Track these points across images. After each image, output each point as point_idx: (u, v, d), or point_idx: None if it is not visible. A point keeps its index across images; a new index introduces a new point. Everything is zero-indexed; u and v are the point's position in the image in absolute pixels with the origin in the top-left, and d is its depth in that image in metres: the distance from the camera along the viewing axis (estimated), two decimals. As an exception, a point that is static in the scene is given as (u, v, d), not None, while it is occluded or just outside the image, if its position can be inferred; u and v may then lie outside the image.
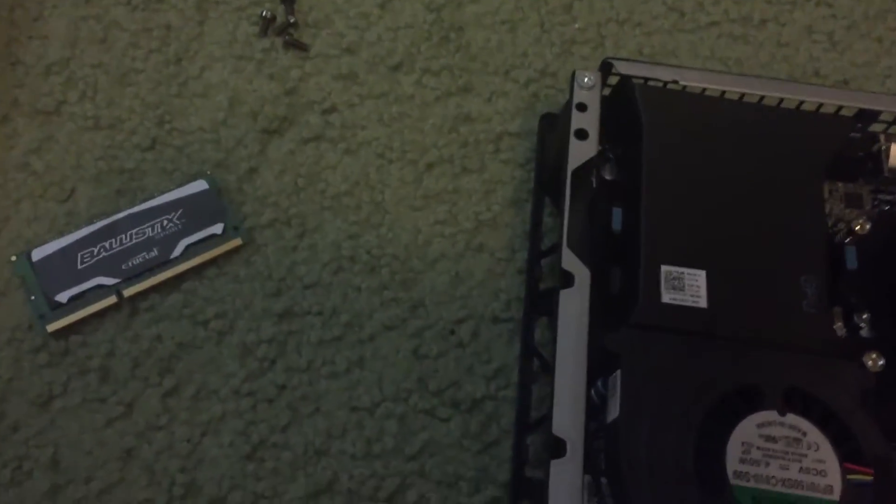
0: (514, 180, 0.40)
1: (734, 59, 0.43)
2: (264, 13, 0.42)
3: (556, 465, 0.29)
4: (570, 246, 0.32)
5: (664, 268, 0.31)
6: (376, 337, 0.37)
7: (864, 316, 0.34)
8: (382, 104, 0.41)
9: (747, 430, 0.29)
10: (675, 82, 0.35)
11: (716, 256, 0.32)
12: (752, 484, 0.28)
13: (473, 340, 0.37)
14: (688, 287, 0.31)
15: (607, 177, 0.36)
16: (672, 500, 0.28)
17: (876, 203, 0.37)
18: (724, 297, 0.31)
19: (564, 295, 0.31)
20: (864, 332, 0.34)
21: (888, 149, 0.37)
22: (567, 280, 0.32)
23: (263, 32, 0.42)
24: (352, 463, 0.34)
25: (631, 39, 0.43)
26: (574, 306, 0.31)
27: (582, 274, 0.32)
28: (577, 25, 0.44)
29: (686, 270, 0.31)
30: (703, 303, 0.31)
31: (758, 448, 0.29)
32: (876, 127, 0.37)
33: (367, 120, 0.41)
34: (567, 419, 0.30)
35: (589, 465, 0.29)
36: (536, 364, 0.36)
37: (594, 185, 0.34)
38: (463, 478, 0.34)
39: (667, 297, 0.31)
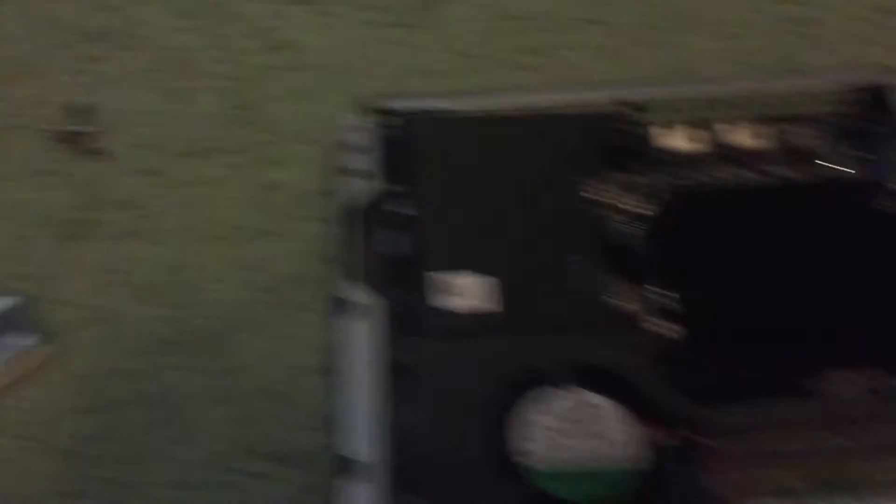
0: (324, 237, 0.40)
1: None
2: (60, 127, 0.43)
3: (347, 486, 0.28)
4: (354, 277, 0.33)
5: (446, 278, 0.32)
6: (198, 412, 0.36)
7: (655, 289, 0.35)
8: (185, 190, 0.42)
9: (538, 413, 0.29)
10: (440, 109, 0.36)
11: (494, 260, 0.32)
12: (543, 462, 0.28)
13: (294, 396, 0.36)
14: (471, 293, 0.32)
15: (399, 212, 0.37)
16: (465, 492, 0.27)
17: (666, 188, 0.39)
18: (507, 294, 0.32)
19: (352, 324, 0.32)
20: (657, 304, 0.35)
21: (667, 135, 0.39)
22: (354, 309, 0.32)
23: (61, 146, 0.43)
24: None
25: (425, 87, 0.45)
26: (361, 332, 0.31)
27: (368, 301, 0.32)
28: (370, 83, 0.45)
29: (468, 278, 0.32)
30: (486, 304, 0.32)
31: (549, 427, 0.29)
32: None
33: (172, 208, 0.41)
34: (359, 440, 0.29)
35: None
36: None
37: (386, 220, 0.35)
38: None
39: (451, 306, 0.31)
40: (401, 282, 0.33)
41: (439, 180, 0.34)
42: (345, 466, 0.29)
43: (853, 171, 0.39)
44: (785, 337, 0.33)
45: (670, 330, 0.32)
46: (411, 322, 0.32)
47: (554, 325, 0.31)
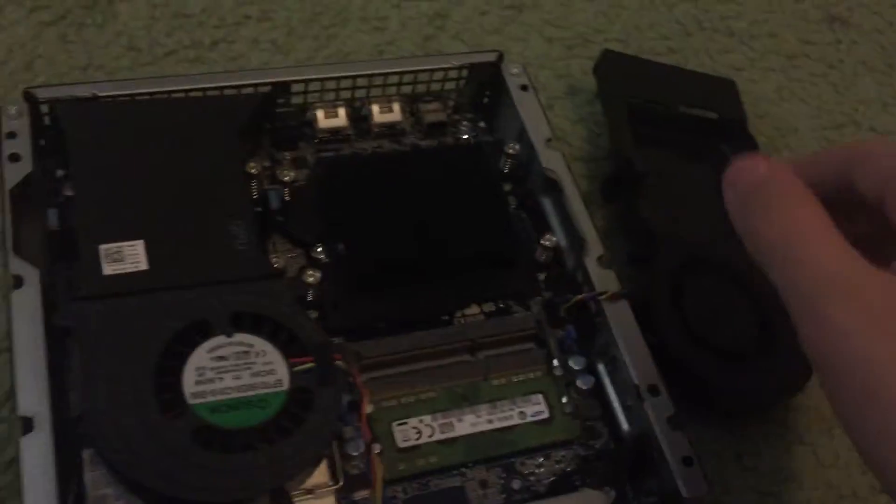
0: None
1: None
2: None
3: (26, 441, 0.31)
4: (16, 252, 0.35)
5: (102, 247, 0.35)
6: None
7: (317, 248, 0.40)
8: None
9: (200, 358, 0.33)
10: (95, 96, 0.39)
11: (151, 229, 0.36)
12: (208, 399, 0.32)
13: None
14: (127, 257, 0.35)
15: (68, 194, 0.39)
16: (138, 434, 0.30)
17: (319, 159, 0.44)
18: (162, 258, 0.35)
19: (16, 296, 0.34)
20: (323, 259, 0.40)
21: (315, 114, 0.44)
22: (18, 282, 0.34)
23: None
24: None
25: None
26: (26, 303, 0.33)
27: (31, 273, 0.34)
28: (40, 80, 0.47)
29: (124, 244, 0.35)
30: (143, 266, 0.35)
31: (211, 369, 0.33)
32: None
33: None
34: (31, 399, 0.31)
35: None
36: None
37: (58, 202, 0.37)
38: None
39: (108, 270, 0.34)
40: (63, 254, 0.36)
41: (92, 160, 0.37)
42: (23, 424, 0.31)
43: (473, 137, 0.46)
44: (417, 279, 0.39)
45: (318, 278, 0.37)
46: (73, 288, 0.34)
47: (213, 281, 0.35)
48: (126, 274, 0.34)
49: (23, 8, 0.49)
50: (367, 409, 0.36)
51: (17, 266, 0.34)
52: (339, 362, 0.34)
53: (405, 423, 0.37)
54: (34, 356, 0.32)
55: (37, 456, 0.30)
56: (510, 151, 0.44)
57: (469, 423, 0.37)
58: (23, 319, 0.33)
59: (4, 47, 0.47)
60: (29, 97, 0.38)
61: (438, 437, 0.36)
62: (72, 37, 0.49)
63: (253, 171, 0.40)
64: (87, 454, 0.32)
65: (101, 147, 0.37)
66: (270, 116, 0.43)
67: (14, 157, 0.37)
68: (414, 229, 0.40)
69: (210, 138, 0.39)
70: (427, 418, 0.37)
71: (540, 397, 0.38)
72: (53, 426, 0.31)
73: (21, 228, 0.36)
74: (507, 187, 0.44)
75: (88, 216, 0.35)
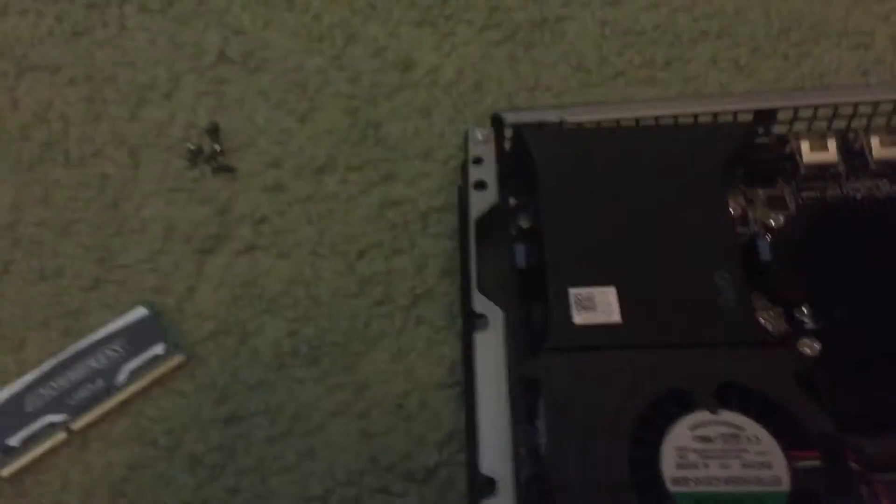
0: (446, 252, 0.41)
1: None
2: (190, 146, 0.44)
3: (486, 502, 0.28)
4: (479, 289, 0.32)
5: (572, 290, 0.31)
6: (324, 425, 0.36)
7: (803, 308, 0.33)
8: (310, 206, 0.42)
9: (681, 435, 0.28)
10: (564, 121, 0.36)
11: (624, 272, 0.32)
12: (692, 488, 0.27)
13: (421, 411, 0.36)
14: (599, 305, 0.31)
15: (523, 225, 0.36)
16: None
17: (800, 202, 0.37)
18: (638, 309, 0.31)
19: (479, 337, 0.31)
20: (808, 324, 0.33)
21: (798, 146, 0.37)
22: (481, 323, 0.32)
23: (193, 164, 0.44)
24: (310, 555, 0.33)
25: (543, 103, 0.45)
26: (489, 346, 0.31)
27: (494, 314, 0.32)
28: (488, 100, 0.45)
29: (595, 290, 0.31)
30: (616, 317, 0.31)
31: (694, 451, 0.28)
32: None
33: (297, 223, 0.42)
34: (494, 457, 0.29)
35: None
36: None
37: (513, 234, 0.35)
38: (425, 551, 0.33)
39: (579, 319, 0.31)
40: (526, 294, 0.33)
41: (561, 192, 0.33)
42: (482, 485, 0.28)
43: None
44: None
45: (816, 350, 0.30)
46: (539, 335, 0.31)
47: (695, 342, 0.30)
48: (598, 325, 0.30)
49: (473, 27, 0.48)
50: (883, 521, 0.28)
51: (481, 304, 0.31)
52: (854, 464, 0.27)
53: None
54: (497, 408, 0.29)
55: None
56: None
57: None
58: (486, 364, 0.30)
59: (455, 67, 0.47)
60: (496, 121, 0.36)
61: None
62: (520, 56, 0.47)
63: (732, 211, 0.34)
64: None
65: (572, 178, 0.34)
66: (750, 148, 0.37)
67: (480, 185, 0.35)
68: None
69: (692, 172, 0.33)
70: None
71: None
72: (516, 493, 0.28)
73: (483, 263, 0.33)
74: None
75: (558, 254, 0.32)
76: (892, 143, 0.37)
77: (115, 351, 0.38)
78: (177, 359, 0.38)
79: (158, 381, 0.38)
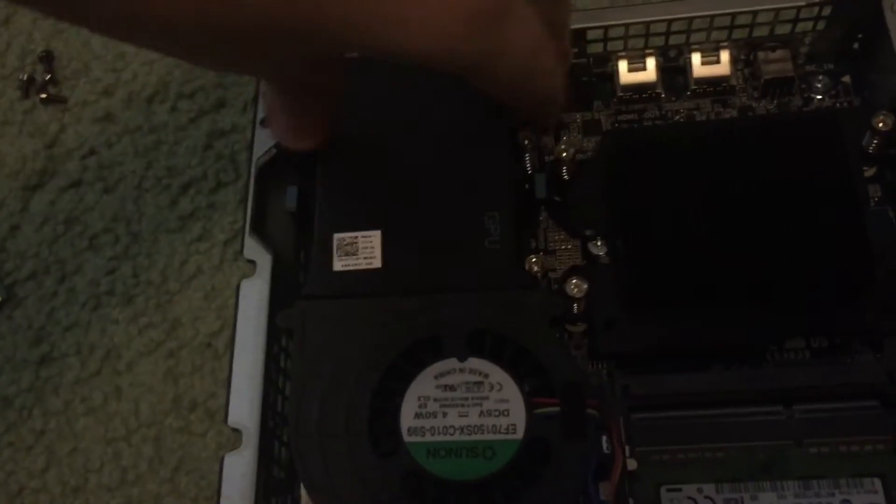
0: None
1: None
2: (22, 76, 0.43)
3: (229, 458, 0.28)
4: (254, 232, 0.31)
5: (337, 236, 0.30)
6: (133, 365, 0.36)
7: (597, 241, 0.32)
8: (138, 137, 0.41)
9: (425, 384, 0.28)
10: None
11: (392, 217, 0.30)
12: (427, 438, 0.27)
13: (229, 349, 0.36)
14: (362, 250, 0.30)
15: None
16: (345, 467, 0.26)
17: (615, 125, 0.35)
18: (401, 254, 0.30)
19: (245, 284, 0.31)
20: (602, 259, 0.32)
21: (616, 67, 0.35)
22: (249, 268, 0.31)
23: (25, 94, 0.43)
24: (108, 495, 0.34)
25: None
26: (254, 292, 0.30)
27: (263, 259, 0.31)
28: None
29: (359, 234, 0.30)
30: (377, 263, 0.30)
31: (435, 400, 0.27)
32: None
33: (124, 155, 0.41)
34: (243, 408, 0.28)
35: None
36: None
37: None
38: (218, 490, 0.33)
39: (339, 265, 0.30)
40: (298, 238, 0.32)
41: (339, 133, 0.32)
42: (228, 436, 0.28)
43: (831, 99, 0.34)
44: (724, 299, 0.30)
45: (583, 289, 0.29)
46: (301, 282, 0.30)
47: (456, 287, 0.29)
48: (358, 271, 0.29)
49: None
50: (630, 465, 0.28)
51: (251, 249, 0.31)
52: (592, 410, 0.27)
53: (678, 490, 0.28)
54: (253, 358, 0.29)
55: (237, 474, 0.27)
56: (880, 125, 0.31)
57: (769, 503, 0.28)
58: (248, 312, 0.30)
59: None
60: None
61: (719, 517, 0.28)
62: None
63: (527, 143, 0.33)
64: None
65: (352, 117, 0.32)
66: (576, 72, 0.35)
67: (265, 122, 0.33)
68: (728, 231, 0.30)
69: (474, 108, 0.32)
70: (709, 488, 0.28)
71: (877, 483, 0.28)
72: (260, 446, 0.28)
73: (270, 203, 0.32)
74: (868, 173, 0.32)
75: (328, 198, 0.31)
76: (714, 61, 0.35)
77: (-66, 293, 0.38)
78: (-5, 300, 0.38)
79: (-24, 324, 0.38)
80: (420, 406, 0.27)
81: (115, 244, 0.39)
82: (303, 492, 0.29)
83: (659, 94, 0.35)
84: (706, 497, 0.28)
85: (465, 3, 0.23)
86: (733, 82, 0.35)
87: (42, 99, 0.43)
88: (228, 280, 0.38)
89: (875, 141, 0.31)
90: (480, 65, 0.25)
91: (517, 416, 0.27)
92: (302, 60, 0.24)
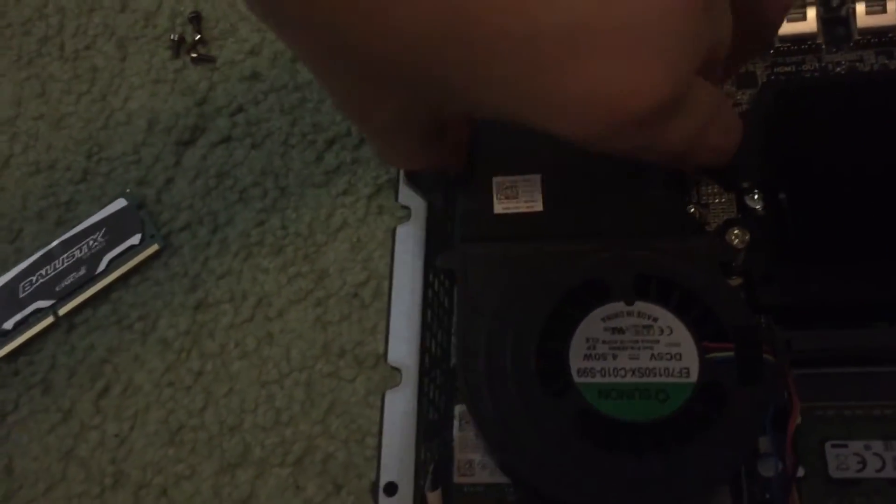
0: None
1: None
2: (173, 36, 0.45)
3: (389, 395, 0.28)
4: (409, 179, 0.32)
5: (496, 179, 0.30)
6: (284, 312, 0.37)
7: (753, 195, 0.32)
8: (283, 95, 0.42)
9: (592, 326, 0.28)
10: None
11: (553, 162, 0.30)
12: (597, 379, 0.27)
13: (375, 300, 0.36)
14: (522, 194, 0.30)
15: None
16: (514, 405, 0.26)
17: (773, 77, 0.35)
18: (562, 198, 0.30)
19: (401, 230, 0.31)
20: (758, 211, 0.31)
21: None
22: (405, 214, 0.31)
23: (176, 54, 0.45)
24: (263, 434, 0.35)
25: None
26: (409, 237, 0.31)
27: (418, 205, 0.31)
28: None
29: (519, 178, 0.30)
30: (538, 206, 0.30)
31: (604, 342, 0.27)
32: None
33: (271, 112, 0.42)
34: (401, 347, 0.29)
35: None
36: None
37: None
38: (369, 433, 0.34)
39: (500, 208, 0.30)
40: (456, 183, 0.32)
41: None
42: (387, 374, 0.29)
43: None
44: (891, 252, 0.29)
45: (745, 240, 0.29)
46: (461, 226, 0.31)
47: (618, 232, 0.29)
48: (519, 214, 0.30)
49: None
50: (797, 419, 0.27)
51: (406, 195, 0.31)
52: (767, 356, 0.26)
53: (844, 447, 0.28)
54: (411, 299, 0.29)
55: (398, 411, 0.28)
56: None
57: (941, 461, 0.27)
58: (404, 256, 0.30)
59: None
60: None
61: (890, 474, 0.27)
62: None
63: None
64: (458, 410, 0.29)
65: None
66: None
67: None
68: (892, 185, 0.29)
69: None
70: (877, 444, 0.28)
71: None
72: (420, 382, 0.28)
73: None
74: None
75: (484, 143, 0.31)
76: (881, 10, 0.33)
77: (96, 241, 0.40)
78: (152, 248, 0.40)
79: (136, 270, 0.40)
80: (589, 348, 0.27)
81: (264, 197, 0.40)
82: (455, 433, 0.29)
83: (819, 44, 0.34)
84: (874, 454, 0.27)
85: (637, 99, 0.20)
86: (898, 33, 0.34)
87: (192, 58, 0.44)
88: (374, 233, 0.38)
89: None
90: (648, 149, 0.23)
91: (690, 359, 0.27)
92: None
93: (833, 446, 0.28)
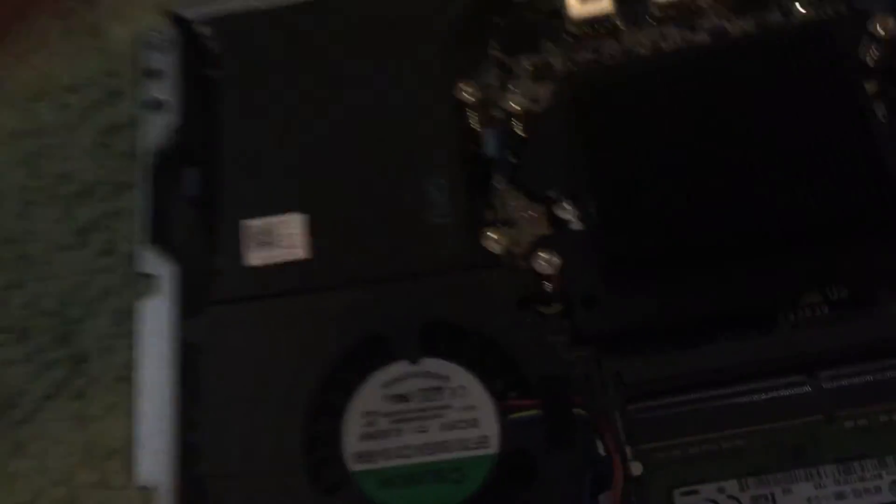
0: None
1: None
2: None
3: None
4: (154, 240, 0.26)
5: (246, 223, 0.25)
6: (36, 414, 0.31)
7: (564, 205, 0.27)
8: (20, 141, 0.36)
9: (370, 397, 0.23)
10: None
11: (316, 196, 0.25)
12: (379, 464, 0.22)
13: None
14: (280, 239, 0.25)
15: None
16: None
17: (572, 67, 0.30)
18: (331, 239, 0.24)
19: (144, 306, 0.25)
20: (573, 224, 0.27)
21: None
22: (149, 285, 0.25)
23: None
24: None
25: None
26: (156, 315, 0.25)
27: (166, 273, 0.25)
28: None
29: (275, 220, 0.25)
30: (301, 253, 0.24)
31: (385, 415, 0.22)
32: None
33: (4, 165, 0.35)
34: (153, 462, 0.23)
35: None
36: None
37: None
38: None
39: (255, 259, 0.24)
40: (201, 232, 0.26)
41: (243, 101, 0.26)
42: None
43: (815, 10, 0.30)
44: (724, 259, 0.25)
45: (555, 264, 0.24)
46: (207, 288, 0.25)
47: (401, 273, 0.24)
48: (279, 265, 0.24)
49: None
50: (634, 469, 0.23)
51: (149, 261, 0.25)
52: (578, 409, 0.22)
53: (695, 493, 0.23)
54: (160, 397, 0.23)
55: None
56: (880, 32, 0.27)
57: (805, 495, 0.23)
58: (150, 342, 0.24)
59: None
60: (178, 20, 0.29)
61: (754, 520, 0.23)
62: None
63: (469, 97, 0.28)
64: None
65: (255, 83, 0.27)
66: (500, 8, 0.29)
67: (155, 105, 0.28)
68: (717, 177, 0.25)
69: (404, 47, 0.26)
70: (731, 485, 0.23)
71: (932, 456, 0.23)
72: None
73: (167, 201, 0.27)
74: (871, 89, 0.27)
75: (233, 183, 0.25)
76: (676, -20, 0.30)
77: None
78: None
79: None
80: (367, 424, 0.22)
81: (4, 271, 0.33)
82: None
83: (617, 25, 0.30)
84: (729, 497, 0.23)
85: None
86: (700, 2, 0.30)
87: None
88: (142, 298, 0.32)
89: (875, 51, 0.27)
90: None
91: (488, 425, 0.22)
92: None
93: (683, 494, 0.24)
